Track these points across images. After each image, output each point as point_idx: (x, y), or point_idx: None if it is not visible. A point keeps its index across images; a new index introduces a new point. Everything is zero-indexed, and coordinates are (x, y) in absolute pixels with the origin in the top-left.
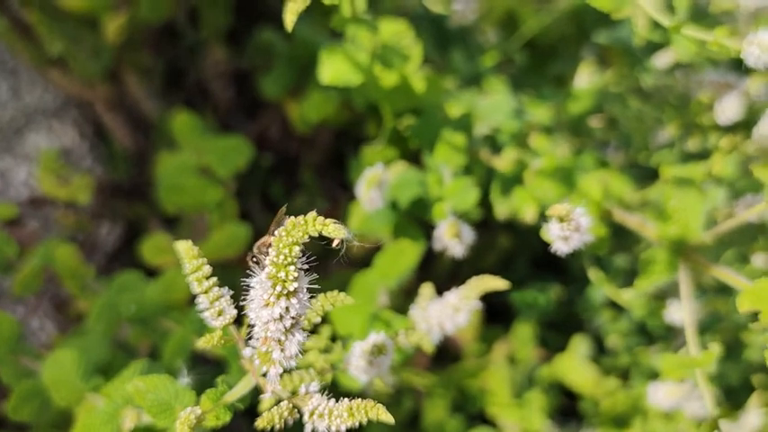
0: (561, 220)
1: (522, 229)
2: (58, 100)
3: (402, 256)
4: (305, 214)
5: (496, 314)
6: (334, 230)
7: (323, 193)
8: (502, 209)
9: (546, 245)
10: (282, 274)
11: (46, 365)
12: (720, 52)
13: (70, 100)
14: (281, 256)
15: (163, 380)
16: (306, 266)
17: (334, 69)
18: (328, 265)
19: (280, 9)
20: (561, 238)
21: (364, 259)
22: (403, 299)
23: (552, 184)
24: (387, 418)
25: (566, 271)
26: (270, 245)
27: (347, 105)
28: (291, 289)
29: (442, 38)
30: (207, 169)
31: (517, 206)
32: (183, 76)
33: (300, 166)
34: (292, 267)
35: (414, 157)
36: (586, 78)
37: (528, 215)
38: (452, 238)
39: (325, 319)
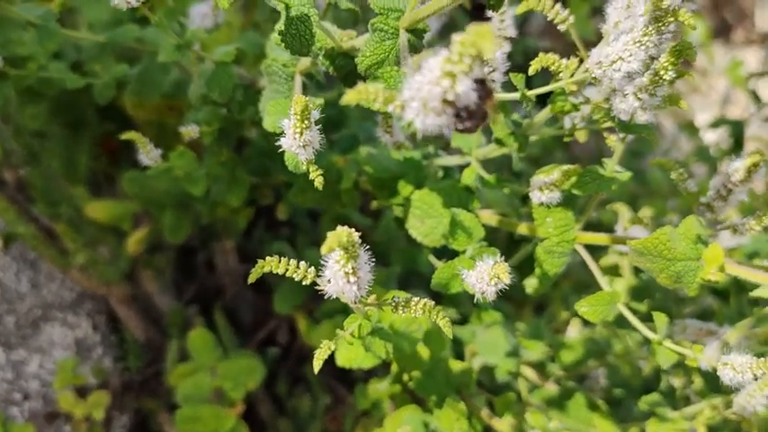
0: None
1: None
2: (74, 293)
3: None
4: (310, 411)
5: None
6: None
7: (325, 387)
8: None
9: None
10: None
11: None
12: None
13: (85, 293)
14: None
15: None
16: None
17: (349, 355)
18: None
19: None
20: None
21: None
22: None
23: None
24: None
25: None
26: None
27: None
28: None
29: None
30: (220, 391)
31: None
32: (194, 255)
33: (303, 360)
34: None
35: None
36: (578, 329)
37: None
38: None
39: None
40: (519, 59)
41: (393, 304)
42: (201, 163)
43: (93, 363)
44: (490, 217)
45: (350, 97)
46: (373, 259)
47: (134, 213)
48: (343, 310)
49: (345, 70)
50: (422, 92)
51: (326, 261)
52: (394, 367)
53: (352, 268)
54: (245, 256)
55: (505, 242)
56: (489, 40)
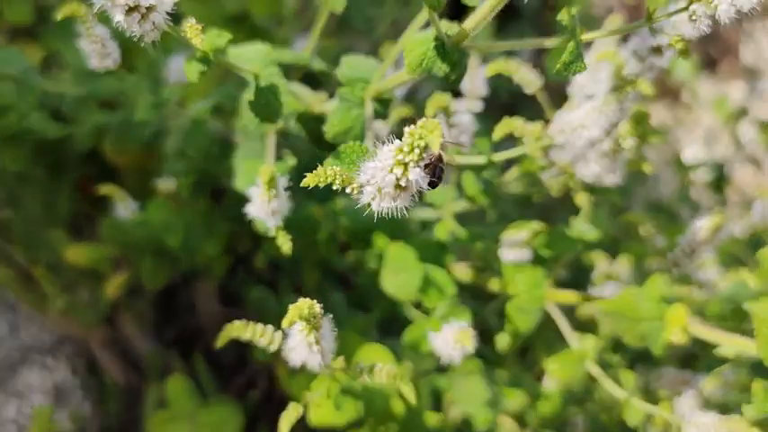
0: None
1: None
2: (54, 337)
3: None
4: None
5: None
6: None
7: None
8: None
9: None
10: None
11: None
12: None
13: (65, 336)
14: None
15: None
16: None
17: (320, 414)
18: None
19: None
20: None
21: None
22: None
23: None
24: None
25: None
26: None
27: None
28: None
29: None
30: None
31: None
32: (175, 296)
33: (284, 404)
34: None
35: None
36: (555, 379)
37: None
38: None
39: None
40: (505, 97)
41: (358, 371)
42: (179, 212)
43: (71, 407)
44: (464, 272)
45: (309, 180)
46: (335, 330)
47: (114, 257)
48: None
49: (317, 133)
50: (376, 178)
51: (290, 330)
52: (369, 421)
53: (315, 339)
54: (227, 298)
55: None
56: (437, 134)
